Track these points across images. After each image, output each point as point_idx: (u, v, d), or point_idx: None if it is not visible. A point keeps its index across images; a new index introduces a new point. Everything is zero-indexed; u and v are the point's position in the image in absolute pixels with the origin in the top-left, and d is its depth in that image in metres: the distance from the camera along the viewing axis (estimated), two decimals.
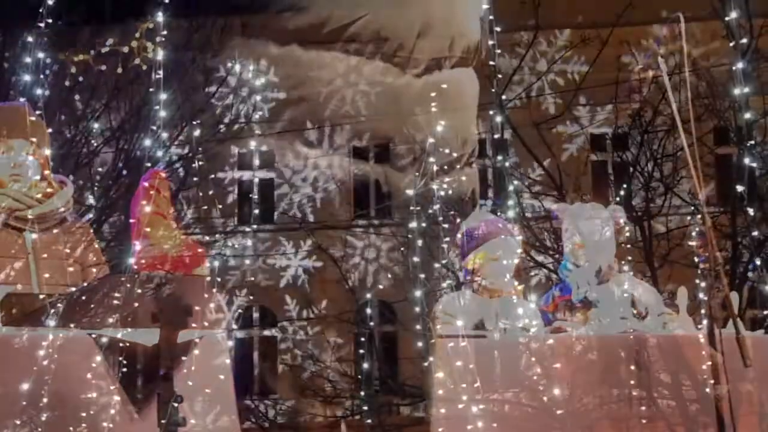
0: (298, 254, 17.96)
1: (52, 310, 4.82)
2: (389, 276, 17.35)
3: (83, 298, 4.97)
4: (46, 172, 5.94)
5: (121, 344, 4.91)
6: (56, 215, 5.77)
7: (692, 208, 13.55)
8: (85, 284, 5.51)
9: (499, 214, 7.62)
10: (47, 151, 6.00)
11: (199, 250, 5.76)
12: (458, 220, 7.04)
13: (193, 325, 4.94)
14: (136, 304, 4.80)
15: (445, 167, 8.99)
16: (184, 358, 4.93)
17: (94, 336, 4.87)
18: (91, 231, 6.15)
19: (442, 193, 7.59)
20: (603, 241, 6.52)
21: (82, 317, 4.84)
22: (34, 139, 5.87)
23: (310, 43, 15.65)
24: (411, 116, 13.51)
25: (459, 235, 6.64)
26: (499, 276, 6.41)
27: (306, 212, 18.44)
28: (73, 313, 4.86)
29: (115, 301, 4.86)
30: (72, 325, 4.87)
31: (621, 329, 6.06)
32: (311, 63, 15.94)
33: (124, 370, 4.90)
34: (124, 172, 13.72)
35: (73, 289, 5.36)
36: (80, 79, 11.05)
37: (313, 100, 16.73)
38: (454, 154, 12.32)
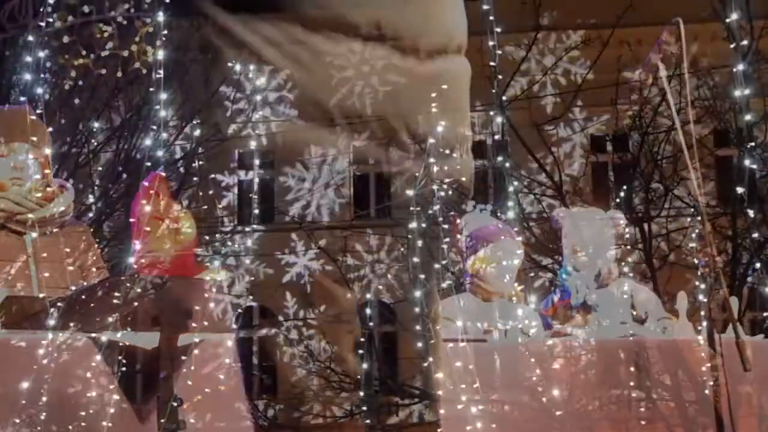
0: (299, 254, 17.96)
1: (52, 310, 4.82)
2: (389, 276, 17.34)
3: (83, 297, 4.97)
4: (47, 171, 5.94)
5: (121, 346, 4.91)
6: (57, 219, 5.78)
7: (692, 209, 13.54)
8: (85, 284, 5.52)
9: (499, 214, 7.63)
10: (47, 151, 6.00)
11: (197, 258, 5.77)
12: (458, 221, 7.03)
13: (194, 325, 4.94)
14: (136, 305, 4.80)
15: (446, 151, 8.95)
16: (184, 357, 4.94)
17: (93, 338, 4.87)
18: (91, 234, 6.15)
19: (442, 193, 7.58)
20: (603, 245, 6.53)
21: (82, 318, 4.84)
22: (34, 138, 5.87)
23: (311, 29, 15.59)
24: (410, 104, 13.49)
25: (459, 237, 6.65)
26: (499, 278, 6.42)
27: (306, 212, 18.45)
28: (73, 314, 4.86)
29: (115, 301, 4.86)
30: (72, 324, 4.88)
31: (620, 334, 6.06)
32: (314, 46, 15.89)
33: (124, 371, 4.90)
34: (124, 175, 13.70)
35: (73, 288, 5.37)
36: (80, 82, 11.06)
37: (314, 84, 16.71)
38: (453, 148, 12.25)
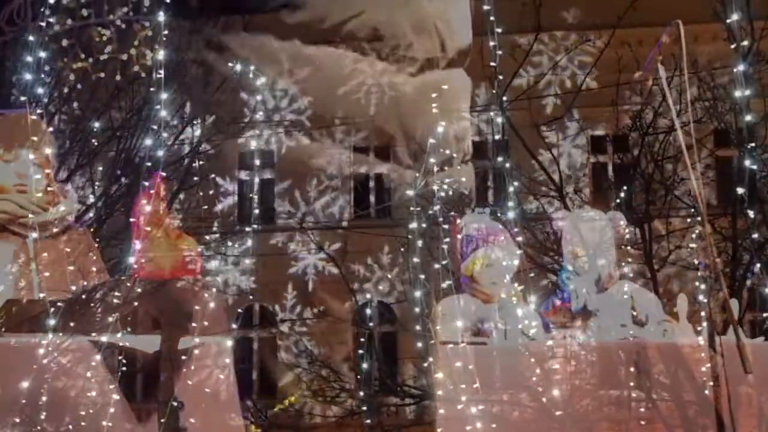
0: (310, 252, 18.00)
1: (52, 310, 4.83)
2: (389, 276, 17.35)
3: (83, 298, 4.99)
4: (47, 171, 5.97)
5: (121, 348, 4.92)
6: (58, 223, 5.82)
7: (692, 210, 13.53)
8: (84, 283, 5.55)
9: (499, 214, 7.63)
10: (48, 150, 6.04)
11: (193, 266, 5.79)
12: (458, 221, 7.03)
13: (194, 325, 4.96)
14: (136, 306, 4.81)
15: (445, 168, 9.00)
16: (184, 357, 4.95)
17: (93, 340, 4.89)
18: (91, 237, 6.19)
19: (442, 194, 7.58)
20: (603, 248, 6.53)
21: (82, 320, 4.86)
22: (35, 138, 5.91)
23: (310, 40, 15.68)
24: (408, 114, 13.55)
25: (458, 236, 6.66)
26: (496, 280, 6.42)
27: (306, 212, 18.48)
28: (73, 315, 4.87)
29: (116, 301, 4.88)
30: (71, 325, 4.89)
31: (621, 337, 6.07)
32: (312, 60, 15.97)
33: (125, 373, 4.92)
34: (123, 179, 13.70)
35: (74, 288, 5.39)
36: (79, 86, 11.10)
37: (315, 96, 16.81)
38: (453, 154, 12.30)
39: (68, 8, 7.80)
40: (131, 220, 5.99)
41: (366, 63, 15.30)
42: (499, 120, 12.59)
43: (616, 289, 6.53)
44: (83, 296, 5.08)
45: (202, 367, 5.11)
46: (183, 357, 4.95)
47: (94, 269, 5.85)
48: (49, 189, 5.93)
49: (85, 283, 5.57)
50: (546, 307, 6.63)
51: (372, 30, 14.99)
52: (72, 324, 4.92)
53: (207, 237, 15.72)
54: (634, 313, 6.46)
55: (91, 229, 7.68)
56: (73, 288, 5.41)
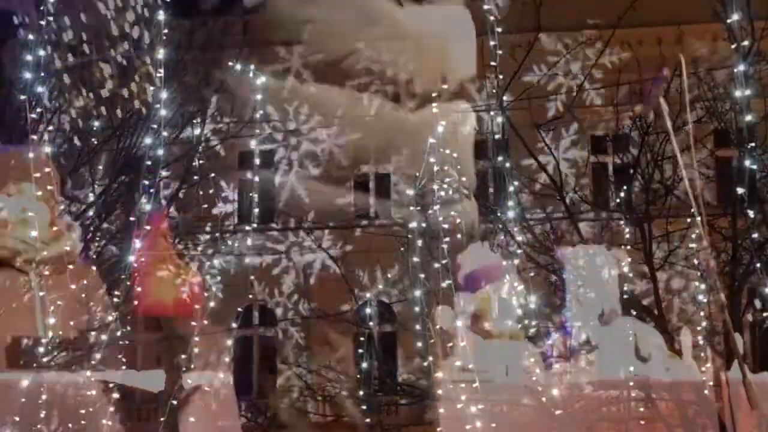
0: (297, 252, 18.01)
1: (55, 346, 4.86)
2: (389, 276, 17.35)
3: (84, 336, 5.02)
4: (52, 203, 6.01)
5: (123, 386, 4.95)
6: (63, 259, 5.86)
7: (691, 210, 13.49)
8: (88, 318, 5.59)
9: (499, 213, 7.64)
10: (52, 186, 6.07)
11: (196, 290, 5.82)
12: (458, 257, 7.06)
13: (193, 324, 4.98)
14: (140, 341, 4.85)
15: (446, 198, 8.99)
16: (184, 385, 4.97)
17: (95, 376, 4.92)
18: (97, 274, 6.22)
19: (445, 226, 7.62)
20: (605, 284, 6.56)
21: (82, 356, 4.88)
22: (37, 175, 5.96)
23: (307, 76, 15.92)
24: (409, 150, 13.57)
25: (461, 274, 6.69)
26: (501, 318, 6.46)
27: (306, 212, 18.49)
28: (74, 352, 4.90)
29: (116, 300, 4.90)
30: (74, 363, 4.93)
31: (623, 373, 6.09)
32: (310, 97, 16.18)
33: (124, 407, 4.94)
34: (123, 177, 13.70)
35: (75, 323, 5.43)
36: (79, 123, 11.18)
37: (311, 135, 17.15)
38: (455, 190, 12.29)
39: (70, 45, 7.85)
40: (131, 218, 6.01)
41: (364, 99, 15.35)
42: (500, 120, 12.59)
43: (619, 324, 6.56)
44: (85, 333, 5.12)
45: (201, 399, 5.14)
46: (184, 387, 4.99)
47: (99, 308, 5.89)
48: (53, 228, 5.97)
49: (91, 319, 5.62)
50: (548, 343, 6.66)
51: (370, 66, 15.08)
52: (73, 359, 4.96)
53: (207, 236, 15.75)
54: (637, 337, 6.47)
55: (92, 228, 7.70)
56: (72, 323, 5.44)
